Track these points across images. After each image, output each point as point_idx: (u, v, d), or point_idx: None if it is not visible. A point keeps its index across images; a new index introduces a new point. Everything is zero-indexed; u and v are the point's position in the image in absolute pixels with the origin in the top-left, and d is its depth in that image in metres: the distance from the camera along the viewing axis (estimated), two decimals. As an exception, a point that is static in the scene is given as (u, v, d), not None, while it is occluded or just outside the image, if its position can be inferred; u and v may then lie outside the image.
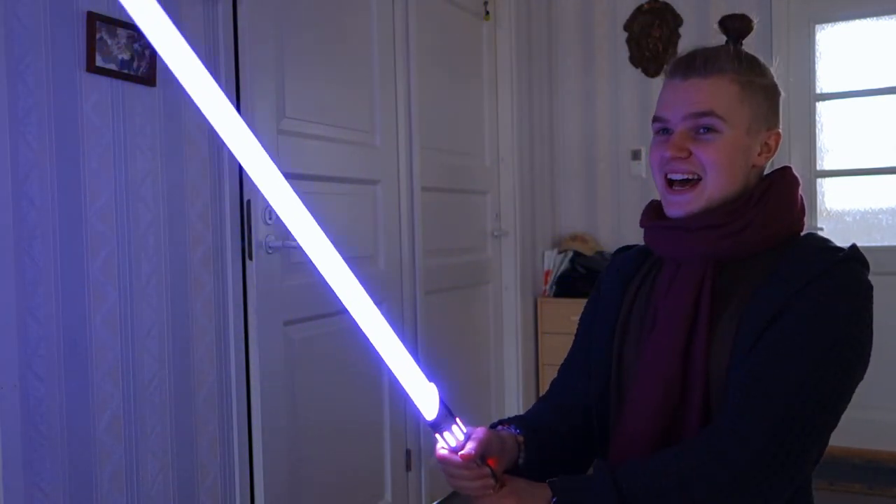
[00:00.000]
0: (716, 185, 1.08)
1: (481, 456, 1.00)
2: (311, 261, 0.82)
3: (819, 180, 3.63)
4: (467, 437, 0.98)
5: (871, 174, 3.57)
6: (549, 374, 3.65)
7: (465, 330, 3.30)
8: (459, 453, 0.97)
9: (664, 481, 0.98)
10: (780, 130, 1.15)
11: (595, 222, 3.96)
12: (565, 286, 3.66)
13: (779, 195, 1.10)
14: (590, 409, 1.22)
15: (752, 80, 1.10)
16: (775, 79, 1.15)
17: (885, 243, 3.52)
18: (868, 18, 3.55)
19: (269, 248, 2.11)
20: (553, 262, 3.76)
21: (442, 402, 0.93)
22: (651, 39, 3.78)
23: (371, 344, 0.90)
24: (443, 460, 0.99)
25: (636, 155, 3.82)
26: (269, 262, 2.12)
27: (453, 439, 0.96)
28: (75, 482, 1.60)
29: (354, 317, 0.87)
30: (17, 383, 1.49)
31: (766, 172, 1.16)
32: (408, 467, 2.78)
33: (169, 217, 1.82)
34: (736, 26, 1.14)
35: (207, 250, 1.94)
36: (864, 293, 1.04)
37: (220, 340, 1.97)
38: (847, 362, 1.00)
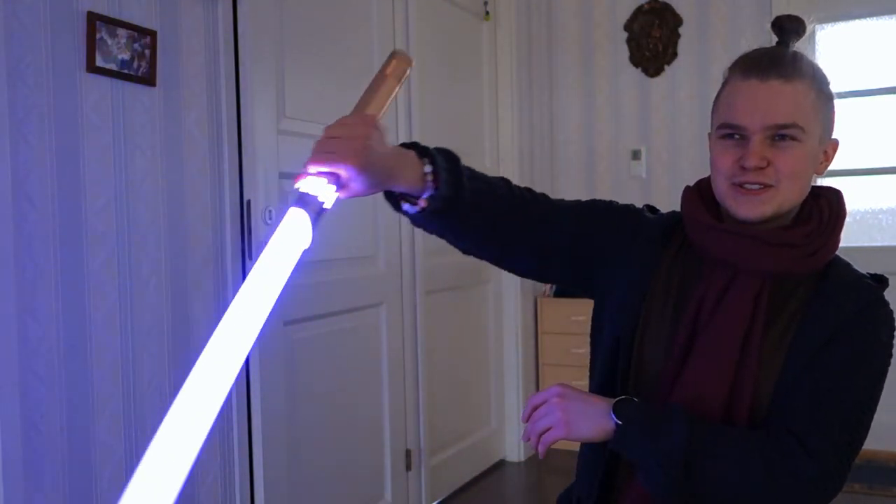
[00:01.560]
0: (787, 194, 1.05)
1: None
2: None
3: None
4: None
5: (871, 174, 3.57)
6: (550, 374, 3.66)
7: (465, 330, 3.30)
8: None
9: (732, 451, 1.01)
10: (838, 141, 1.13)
11: (595, 222, 3.95)
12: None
13: (841, 220, 1.11)
14: (547, 228, 1.14)
15: (823, 89, 1.07)
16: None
17: (885, 243, 3.52)
18: (868, 18, 3.55)
19: (269, 248, 2.11)
20: (553, 262, 3.75)
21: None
22: (651, 39, 3.78)
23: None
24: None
25: (636, 155, 3.82)
26: (269, 262, 2.12)
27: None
28: (75, 482, 1.60)
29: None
30: (17, 383, 1.49)
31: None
32: (408, 467, 2.78)
33: (169, 217, 1.82)
34: (794, 27, 1.10)
35: (207, 250, 1.94)
36: (893, 324, 1.09)
37: (220, 340, 1.97)
38: (879, 386, 1.07)
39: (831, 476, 1.02)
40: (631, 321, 1.12)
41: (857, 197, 3.59)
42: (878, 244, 3.53)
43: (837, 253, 1.13)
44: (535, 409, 1.08)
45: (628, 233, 1.17)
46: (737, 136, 1.05)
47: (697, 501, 1.02)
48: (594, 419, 1.04)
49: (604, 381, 1.15)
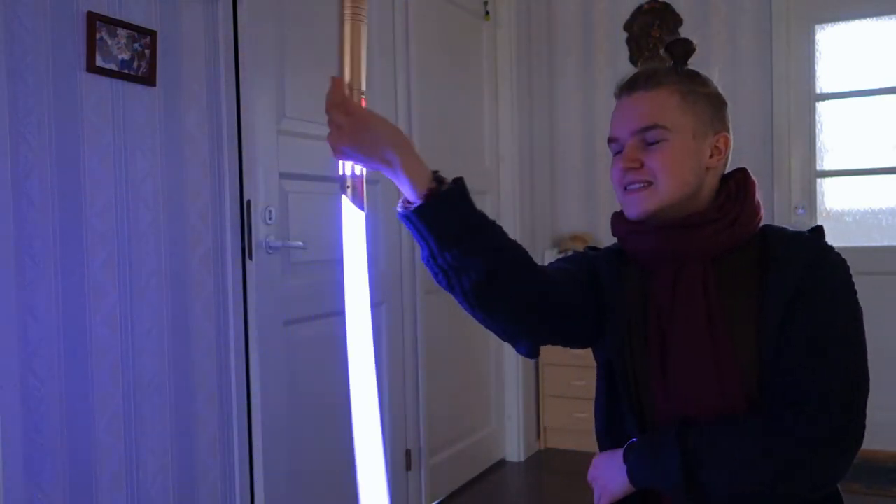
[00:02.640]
0: (667, 188, 1.14)
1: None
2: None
3: (819, 180, 3.62)
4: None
5: (871, 174, 3.57)
6: (550, 374, 3.66)
7: (465, 330, 3.30)
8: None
9: (734, 448, 1.06)
10: (730, 135, 1.20)
11: (595, 222, 3.96)
12: (565, 286, 3.66)
13: (751, 191, 1.19)
14: (550, 293, 1.17)
15: (693, 90, 1.17)
16: (719, 90, 1.22)
17: (885, 243, 3.52)
18: (868, 18, 3.55)
19: (270, 248, 2.11)
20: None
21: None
22: (651, 39, 3.78)
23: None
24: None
25: (636, 155, 3.82)
26: (269, 262, 2.12)
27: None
28: (75, 482, 1.60)
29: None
30: (17, 383, 1.49)
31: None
32: (408, 467, 2.78)
33: (169, 217, 1.82)
34: (680, 51, 1.22)
35: (207, 250, 1.94)
36: (847, 266, 1.16)
37: (220, 340, 1.97)
38: (860, 324, 1.13)
39: (845, 429, 1.06)
40: (616, 343, 1.19)
41: (857, 197, 3.59)
42: (878, 244, 3.53)
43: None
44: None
45: (591, 277, 1.26)
46: (619, 149, 1.20)
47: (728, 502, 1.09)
48: (616, 480, 1.15)
49: (605, 400, 1.24)
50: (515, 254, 1.10)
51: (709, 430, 1.08)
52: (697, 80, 1.20)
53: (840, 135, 3.61)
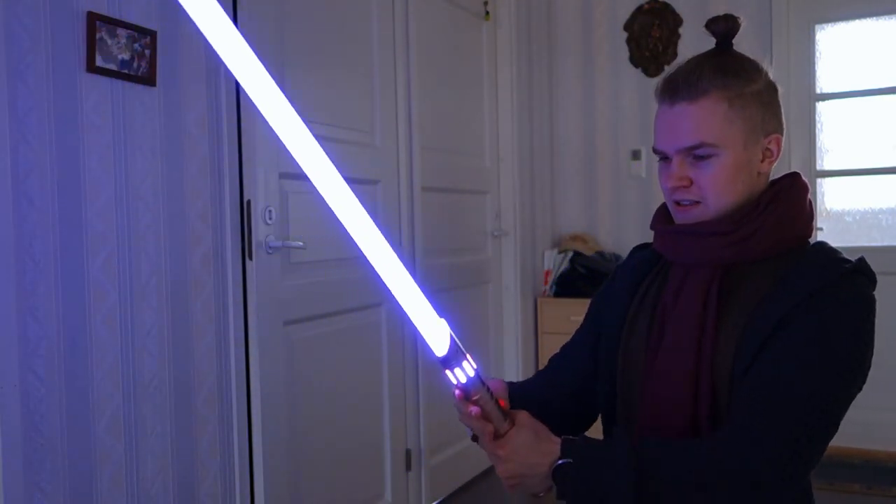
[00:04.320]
0: (717, 205, 1.10)
1: (493, 396, 1.01)
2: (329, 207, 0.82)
3: (819, 180, 3.63)
4: (478, 375, 0.97)
5: (871, 174, 3.57)
6: (549, 374, 3.66)
7: (465, 330, 3.29)
8: (473, 398, 0.99)
9: (684, 473, 0.99)
10: (782, 133, 1.15)
11: (595, 222, 3.96)
12: (565, 286, 3.66)
13: (787, 202, 1.11)
14: (582, 390, 1.26)
15: (740, 93, 1.08)
16: (770, 76, 1.13)
17: (885, 243, 3.52)
18: (868, 18, 3.55)
19: (269, 248, 2.11)
20: (553, 261, 3.76)
21: (452, 338, 0.92)
22: (651, 39, 3.78)
23: (382, 281, 0.89)
24: (460, 401, 1.01)
25: (636, 155, 3.82)
26: (269, 262, 2.12)
27: (463, 376, 0.95)
28: (75, 482, 1.60)
29: (364, 252, 0.86)
30: (17, 383, 1.49)
31: (773, 176, 1.17)
32: (408, 467, 2.78)
33: (169, 217, 1.82)
34: (721, 29, 1.12)
35: (207, 250, 1.94)
36: (868, 307, 1.05)
37: (220, 340, 1.97)
38: (849, 374, 1.03)
39: (782, 467, 0.98)
40: (616, 331, 1.20)
41: (857, 197, 3.59)
42: (878, 244, 3.53)
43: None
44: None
45: (608, 292, 1.28)
46: (667, 158, 1.13)
47: None
48: (538, 478, 1.03)
49: (603, 399, 1.23)
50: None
51: (656, 450, 1.01)
52: (743, 74, 1.09)
53: (840, 135, 3.61)
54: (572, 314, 3.52)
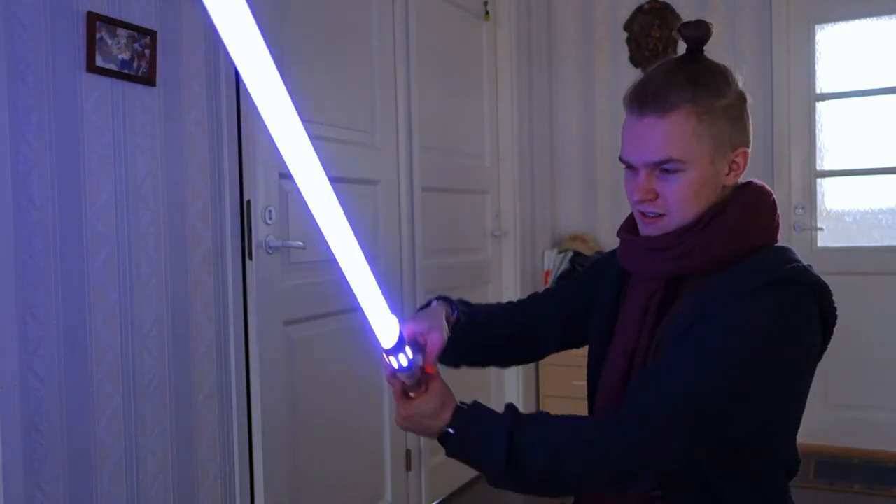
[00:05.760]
0: (681, 217, 1.11)
1: (419, 366, 1.08)
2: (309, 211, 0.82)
3: (819, 180, 3.63)
4: (412, 362, 1.04)
5: (871, 174, 3.57)
6: (550, 374, 3.66)
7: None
8: (396, 374, 1.05)
9: (555, 437, 1.03)
10: (748, 146, 1.13)
11: (595, 222, 3.96)
12: (565, 286, 3.66)
13: (734, 215, 1.10)
14: (538, 331, 1.38)
15: (710, 107, 1.07)
16: (740, 85, 1.11)
17: (885, 243, 3.51)
18: (868, 18, 3.55)
19: (269, 248, 2.11)
20: (553, 261, 3.76)
21: (400, 335, 0.99)
22: (651, 39, 3.78)
23: (342, 272, 0.94)
24: (389, 378, 1.08)
25: (636, 155, 3.82)
26: (269, 262, 2.12)
27: (396, 363, 1.03)
28: (75, 482, 1.60)
29: (326, 236, 0.88)
30: (17, 383, 1.49)
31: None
32: (408, 467, 2.78)
33: (169, 217, 1.82)
34: (693, 35, 1.11)
35: (207, 250, 1.94)
36: (796, 318, 1.03)
37: (220, 340, 1.97)
38: (760, 377, 1.02)
39: (656, 440, 0.99)
40: (591, 344, 1.29)
41: (857, 197, 3.59)
42: (878, 244, 3.53)
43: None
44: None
45: (596, 280, 1.34)
46: (633, 168, 1.13)
47: (535, 487, 1.05)
48: (429, 431, 1.10)
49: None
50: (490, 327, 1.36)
51: (541, 416, 1.06)
52: (713, 87, 1.08)
53: (840, 135, 3.61)
54: (572, 314, 3.51)
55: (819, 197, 3.62)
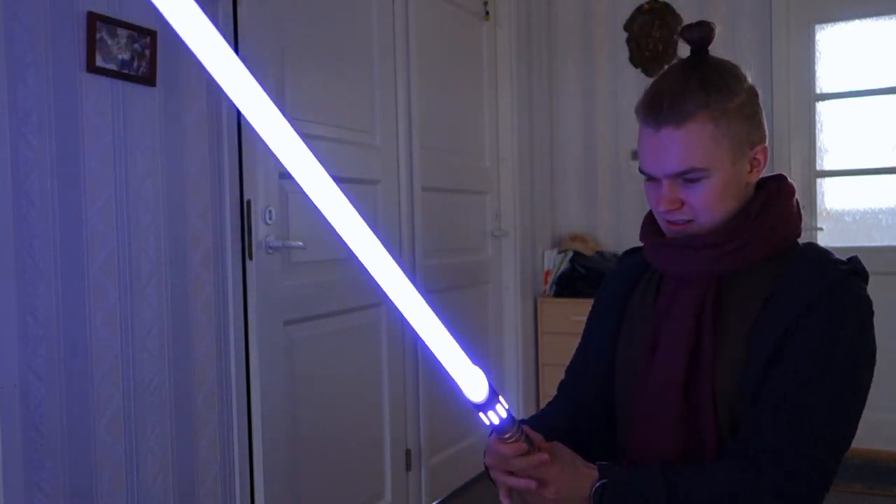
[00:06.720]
0: (709, 221, 1.10)
1: (526, 435, 1.00)
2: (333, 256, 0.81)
3: (819, 180, 3.62)
4: (510, 417, 0.95)
5: (871, 174, 3.57)
6: (549, 374, 3.66)
7: (465, 330, 3.29)
8: (508, 440, 0.97)
9: (713, 496, 1.01)
10: (766, 141, 1.13)
11: (595, 222, 3.96)
12: (565, 286, 3.66)
13: (777, 208, 1.12)
14: (603, 397, 1.25)
15: (725, 109, 1.07)
16: (749, 81, 1.12)
17: (885, 243, 3.51)
18: (868, 18, 3.55)
19: (269, 248, 2.11)
20: (553, 261, 3.76)
21: (490, 385, 0.92)
22: (651, 39, 3.78)
23: (414, 331, 0.88)
24: (494, 447, 1.00)
25: (636, 155, 3.81)
26: (269, 262, 2.12)
27: (497, 418, 0.94)
28: (75, 482, 1.60)
29: (394, 300, 0.83)
30: (17, 383, 1.49)
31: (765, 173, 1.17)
32: (408, 467, 2.78)
33: (169, 217, 1.82)
34: (696, 37, 1.11)
35: (207, 250, 1.94)
36: (867, 308, 1.07)
37: (220, 340, 1.97)
38: (859, 377, 1.05)
39: (814, 486, 1.02)
40: (607, 342, 1.22)
41: (857, 197, 3.59)
42: (878, 244, 3.53)
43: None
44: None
45: (599, 302, 1.30)
46: (655, 179, 1.11)
47: None
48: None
49: (576, 380, 1.28)
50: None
51: (689, 477, 1.03)
52: (725, 89, 1.08)
53: (840, 135, 3.61)
54: (572, 314, 3.52)
55: (819, 197, 3.62)
